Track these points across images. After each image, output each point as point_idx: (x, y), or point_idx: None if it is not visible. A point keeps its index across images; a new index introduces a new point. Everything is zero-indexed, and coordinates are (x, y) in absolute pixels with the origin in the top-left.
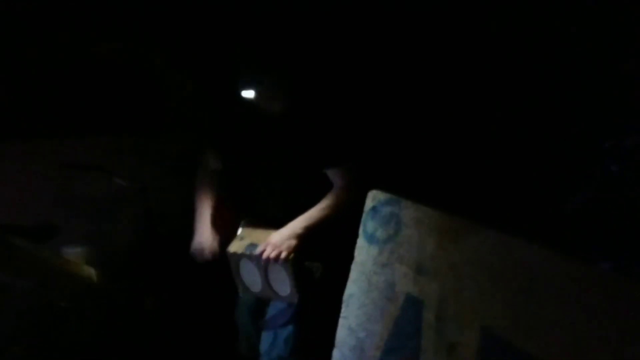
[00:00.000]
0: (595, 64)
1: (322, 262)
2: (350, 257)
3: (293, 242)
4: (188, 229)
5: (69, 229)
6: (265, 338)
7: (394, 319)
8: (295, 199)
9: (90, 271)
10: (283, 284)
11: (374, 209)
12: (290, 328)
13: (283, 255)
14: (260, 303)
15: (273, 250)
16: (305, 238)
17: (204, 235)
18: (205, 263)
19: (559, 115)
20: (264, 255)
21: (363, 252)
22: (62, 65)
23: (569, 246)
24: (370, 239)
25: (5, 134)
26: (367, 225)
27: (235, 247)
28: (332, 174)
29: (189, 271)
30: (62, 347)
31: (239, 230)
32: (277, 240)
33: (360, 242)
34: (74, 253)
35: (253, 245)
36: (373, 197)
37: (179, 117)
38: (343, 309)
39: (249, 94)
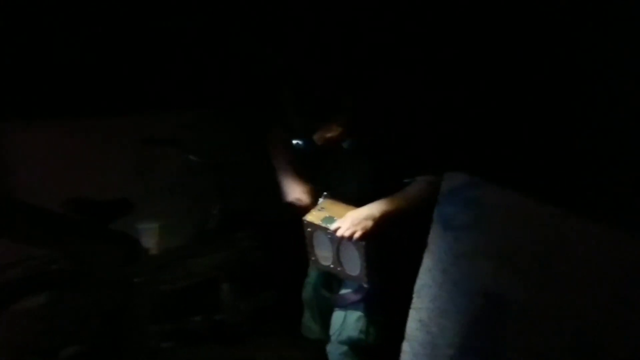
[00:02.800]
0: None
1: (396, 245)
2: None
3: (369, 223)
4: (262, 204)
5: (144, 204)
6: (335, 320)
7: (472, 317)
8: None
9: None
10: (354, 264)
11: (451, 192)
12: (361, 308)
13: (357, 234)
14: (329, 281)
15: (348, 228)
16: (382, 222)
17: (297, 183)
18: (302, 212)
19: None
20: (339, 232)
21: (438, 240)
22: (139, 41)
23: None
24: (447, 225)
25: (82, 110)
26: (443, 210)
27: (312, 216)
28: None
29: (262, 246)
30: (136, 318)
31: (320, 200)
32: (354, 219)
33: (435, 228)
34: (148, 229)
35: (330, 219)
36: (450, 180)
37: (256, 93)
38: (414, 300)
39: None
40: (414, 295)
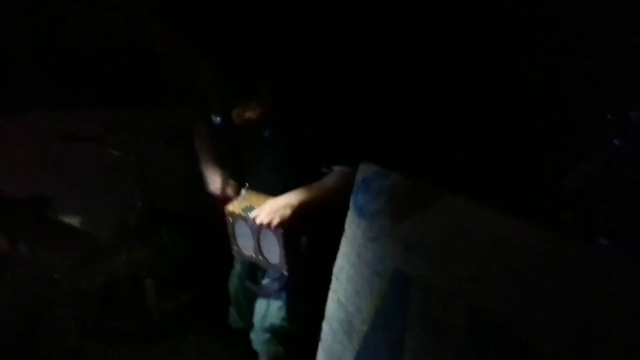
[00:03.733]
0: (600, 35)
1: (314, 235)
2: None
3: (287, 212)
4: (184, 201)
5: (63, 200)
6: (258, 308)
7: (382, 295)
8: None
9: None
10: (273, 252)
11: (364, 181)
12: (283, 297)
13: (275, 222)
14: (254, 272)
15: (266, 216)
16: (300, 210)
17: (217, 173)
18: (222, 203)
19: (560, 86)
20: (257, 221)
21: (353, 226)
22: (58, 35)
23: (568, 222)
24: (360, 212)
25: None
26: (357, 198)
27: (234, 206)
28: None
29: (184, 242)
30: (55, 316)
31: (242, 192)
32: (272, 207)
33: (351, 215)
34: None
35: (251, 208)
36: (363, 170)
37: (178, 89)
38: (333, 283)
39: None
40: (333, 278)
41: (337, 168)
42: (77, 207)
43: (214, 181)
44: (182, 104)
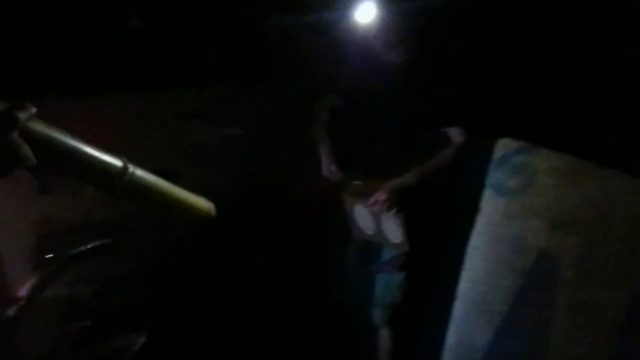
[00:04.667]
0: None
1: (431, 212)
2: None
3: (405, 193)
4: (295, 176)
5: (182, 176)
6: (379, 285)
7: (524, 274)
8: (406, 159)
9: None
10: (394, 232)
11: (503, 157)
12: (403, 275)
13: (394, 205)
14: (371, 249)
15: (385, 200)
16: (417, 189)
17: (332, 160)
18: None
19: None
20: (377, 205)
21: (490, 204)
22: (170, 19)
23: None
24: (499, 189)
25: (122, 87)
26: (496, 175)
27: (350, 192)
28: (452, 131)
29: (297, 216)
30: (177, 283)
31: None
32: (390, 191)
33: (488, 193)
34: None
35: (367, 192)
36: (503, 146)
37: (286, 66)
38: (467, 262)
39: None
40: (467, 257)
41: (457, 139)
42: (194, 182)
43: (328, 166)
44: (291, 81)
